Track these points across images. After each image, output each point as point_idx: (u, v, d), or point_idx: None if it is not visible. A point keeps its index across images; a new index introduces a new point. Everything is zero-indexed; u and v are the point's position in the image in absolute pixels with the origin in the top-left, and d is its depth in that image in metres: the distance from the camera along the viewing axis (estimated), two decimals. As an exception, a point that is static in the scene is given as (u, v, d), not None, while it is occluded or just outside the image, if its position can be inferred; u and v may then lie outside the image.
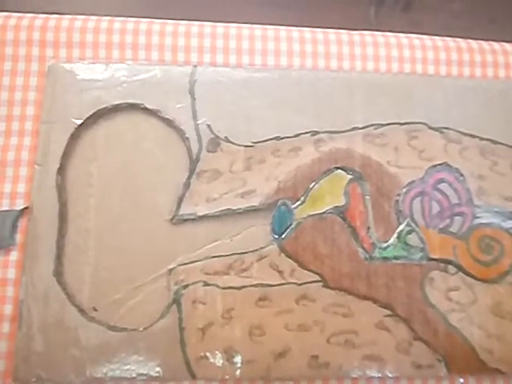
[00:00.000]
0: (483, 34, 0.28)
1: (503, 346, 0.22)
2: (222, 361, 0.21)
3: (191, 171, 0.22)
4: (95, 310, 0.21)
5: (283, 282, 0.21)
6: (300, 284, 0.22)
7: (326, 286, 0.22)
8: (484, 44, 0.27)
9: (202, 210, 0.22)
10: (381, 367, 0.21)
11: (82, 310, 0.21)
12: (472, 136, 0.24)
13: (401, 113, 0.24)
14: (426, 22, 0.30)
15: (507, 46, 0.27)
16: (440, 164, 0.23)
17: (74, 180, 0.22)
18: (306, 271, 0.22)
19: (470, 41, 0.27)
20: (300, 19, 0.25)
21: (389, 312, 0.22)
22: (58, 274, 0.21)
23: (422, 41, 0.27)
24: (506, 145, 0.24)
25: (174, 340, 0.21)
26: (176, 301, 0.21)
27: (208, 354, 0.21)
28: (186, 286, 0.21)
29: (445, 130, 0.24)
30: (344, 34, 0.26)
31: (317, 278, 0.22)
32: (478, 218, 0.23)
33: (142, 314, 0.21)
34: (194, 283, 0.21)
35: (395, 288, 0.22)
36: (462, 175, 0.23)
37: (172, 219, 0.22)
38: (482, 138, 0.24)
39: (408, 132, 0.24)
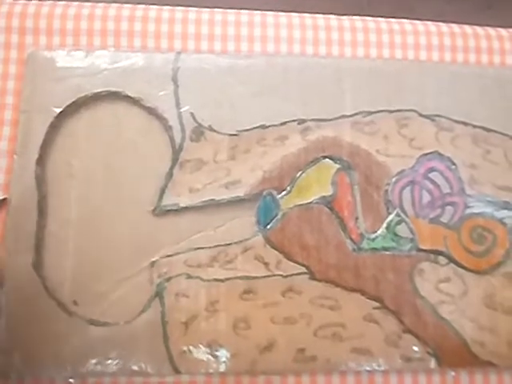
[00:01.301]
0: (479, 19, 0.27)
1: (495, 339, 0.22)
2: (205, 355, 0.20)
3: (174, 161, 0.22)
4: (76, 303, 0.20)
5: (269, 274, 0.21)
6: (286, 276, 0.21)
7: (313, 277, 0.21)
8: (478, 29, 0.26)
9: (184, 201, 0.21)
10: (369, 360, 0.21)
11: (62, 304, 0.20)
12: (464, 124, 0.23)
13: (391, 100, 0.23)
14: (419, 8, 0.29)
15: (503, 31, 0.27)
16: (431, 152, 0.23)
17: (53, 171, 0.22)
18: (292, 263, 0.21)
19: (464, 26, 0.26)
20: (288, 5, 0.24)
21: (377, 304, 0.21)
22: (38, 266, 0.21)
23: (414, 26, 0.26)
24: (500, 132, 0.23)
25: (156, 334, 0.20)
26: (159, 294, 0.21)
27: (191, 348, 0.20)
28: (168, 279, 0.21)
29: (436, 118, 0.23)
30: (333, 19, 0.25)
31: (303, 269, 0.21)
32: (469, 207, 0.22)
33: (123, 307, 0.20)
34: (177, 276, 0.21)
35: (384, 280, 0.21)
36: (453, 164, 0.23)
37: (154, 210, 0.21)
38: (474, 126, 0.23)
39: (398, 120, 0.23)
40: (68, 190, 0.21)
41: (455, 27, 0.26)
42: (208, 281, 0.21)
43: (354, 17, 0.25)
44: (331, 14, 0.25)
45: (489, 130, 0.23)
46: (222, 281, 0.21)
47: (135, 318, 0.20)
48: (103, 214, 0.21)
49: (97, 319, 0.20)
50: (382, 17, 0.26)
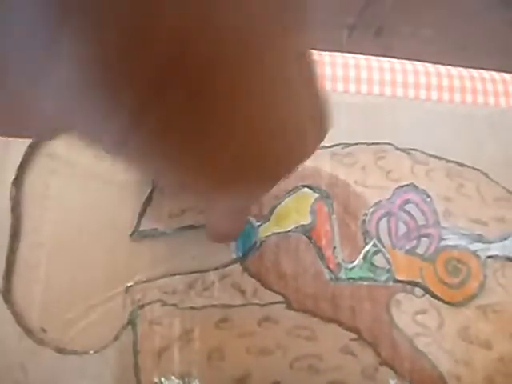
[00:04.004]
0: (453, 59, 0.29)
1: (471, 372, 0.21)
2: (177, 387, 0.20)
3: (154, 185, 0.21)
4: (44, 330, 0.20)
5: (245, 302, 0.21)
6: (263, 305, 0.21)
7: (290, 307, 0.21)
8: (452, 70, 0.28)
9: (163, 226, 0.21)
10: (346, 394, 0.20)
11: (29, 331, 0.19)
12: (438, 158, 0.24)
13: (368, 133, 0.24)
14: (397, 48, 0.31)
15: (474, 72, 0.28)
16: (407, 185, 0.23)
17: (30, 192, 0.21)
18: (269, 291, 0.21)
19: (439, 66, 0.28)
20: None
21: (354, 336, 0.21)
22: (6, 291, 0.20)
23: (391, 64, 0.27)
24: (472, 167, 0.24)
25: (127, 364, 0.19)
26: (131, 321, 0.20)
27: (163, 380, 0.19)
28: (142, 306, 0.20)
29: (412, 152, 0.24)
30: (315, 54, 0.26)
31: (280, 298, 0.21)
32: (444, 239, 0.23)
33: (94, 335, 0.20)
34: (151, 303, 0.20)
35: (361, 310, 0.21)
36: (428, 196, 0.23)
37: (131, 235, 0.21)
38: (448, 160, 0.24)
39: (375, 152, 0.24)
40: (43, 211, 0.21)
41: (430, 67, 0.28)
42: (183, 309, 0.20)
43: (335, 53, 0.27)
44: (312, 49, 0.26)
45: (462, 165, 0.24)
46: (197, 309, 0.20)
47: (105, 347, 0.20)
48: (78, 237, 0.21)
49: (65, 347, 0.19)
50: (360, 53, 0.27)
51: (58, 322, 0.20)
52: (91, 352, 0.19)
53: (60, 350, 0.19)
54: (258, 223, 0.22)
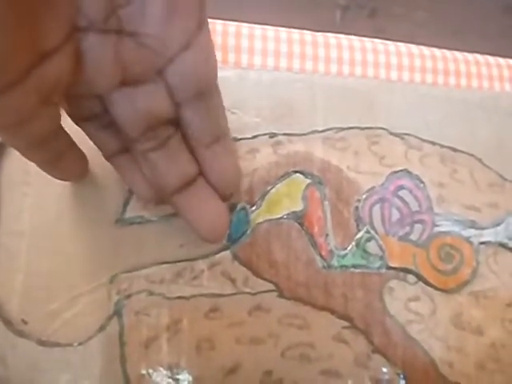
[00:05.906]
0: (447, 43, 0.29)
1: (463, 359, 0.21)
2: (166, 378, 0.19)
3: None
4: (25, 322, 0.19)
5: (235, 291, 0.20)
6: (254, 294, 0.20)
7: (282, 295, 0.20)
8: (447, 53, 0.27)
9: (150, 213, 0.20)
10: (338, 383, 0.20)
11: (8, 323, 0.19)
12: (432, 143, 0.24)
13: (362, 117, 0.23)
14: (390, 29, 0.30)
15: (469, 55, 0.28)
16: (400, 170, 0.23)
17: (8, 178, 0.20)
18: (260, 280, 0.20)
19: (434, 49, 0.27)
20: (265, 20, 0.24)
21: (347, 323, 0.21)
22: (-16, 282, 0.19)
23: (385, 46, 0.26)
24: (466, 152, 0.24)
25: (113, 356, 0.19)
26: (117, 312, 0.19)
27: (151, 371, 0.19)
28: (128, 296, 0.19)
29: (405, 136, 0.23)
30: (307, 34, 0.25)
31: (272, 287, 0.20)
32: (438, 226, 0.23)
33: (78, 327, 0.19)
34: (137, 293, 0.20)
35: (353, 298, 0.21)
36: (422, 182, 0.23)
37: (117, 222, 0.20)
38: (442, 146, 0.24)
39: (369, 137, 0.23)
40: (22, 198, 0.20)
41: (425, 49, 0.27)
42: (171, 298, 0.20)
43: (328, 33, 0.26)
44: (305, 29, 0.26)
45: (455, 150, 0.24)
46: (186, 298, 0.20)
47: (90, 339, 0.19)
48: (60, 224, 0.20)
49: (48, 339, 0.19)
50: (353, 34, 0.26)
51: (40, 313, 0.19)
52: (75, 344, 0.19)
53: (42, 343, 0.19)
54: (250, 210, 0.21)
